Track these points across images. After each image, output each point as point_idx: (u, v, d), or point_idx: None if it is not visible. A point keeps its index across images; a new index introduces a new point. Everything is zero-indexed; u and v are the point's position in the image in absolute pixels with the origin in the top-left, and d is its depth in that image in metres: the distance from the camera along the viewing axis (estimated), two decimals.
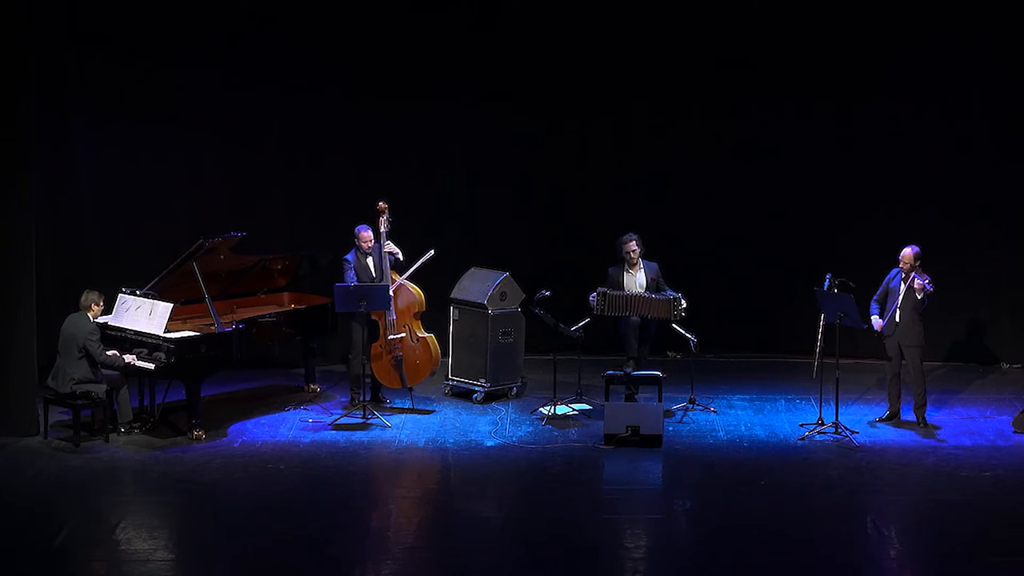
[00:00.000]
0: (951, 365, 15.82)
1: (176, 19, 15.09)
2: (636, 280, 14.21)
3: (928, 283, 13.18)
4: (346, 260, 14.01)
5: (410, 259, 14.09)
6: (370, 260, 14.02)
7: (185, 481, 12.10)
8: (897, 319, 13.36)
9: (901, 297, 13.32)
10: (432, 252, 13.95)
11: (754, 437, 13.34)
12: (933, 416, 13.72)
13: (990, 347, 15.98)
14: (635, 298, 14.03)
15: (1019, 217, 15.66)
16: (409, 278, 14.08)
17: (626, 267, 14.23)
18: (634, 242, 14.18)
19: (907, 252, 13.31)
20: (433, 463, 12.80)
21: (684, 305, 13.90)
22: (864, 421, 13.65)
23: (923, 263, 13.33)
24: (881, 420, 13.69)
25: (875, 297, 13.52)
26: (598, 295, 13.98)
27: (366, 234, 13.96)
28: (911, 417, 13.60)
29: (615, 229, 14.65)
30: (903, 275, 13.30)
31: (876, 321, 13.44)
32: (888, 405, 13.75)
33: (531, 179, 16.01)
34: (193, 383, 13.06)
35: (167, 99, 15.22)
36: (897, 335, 13.41)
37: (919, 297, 13.23)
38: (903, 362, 13.50)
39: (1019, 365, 15.92)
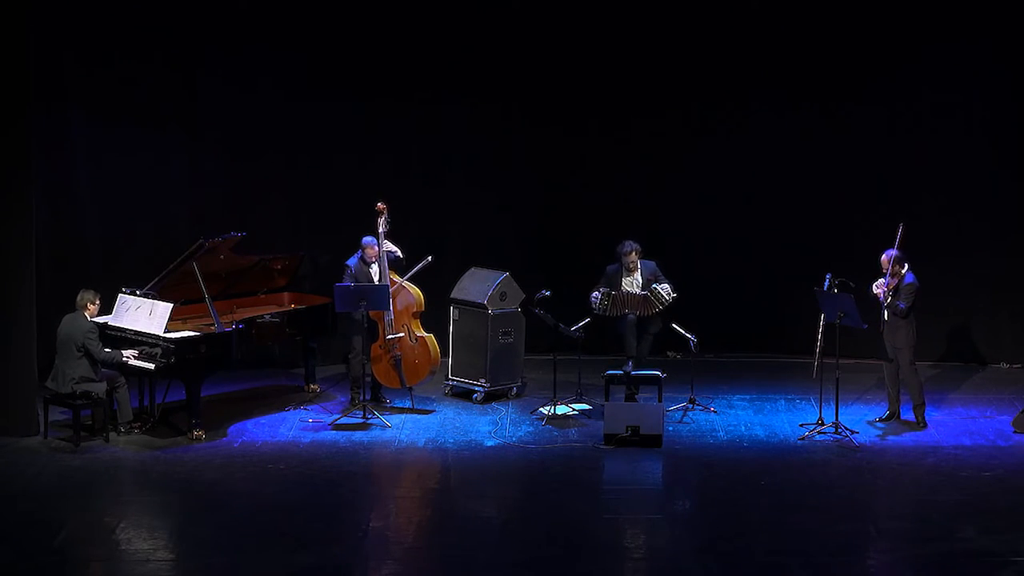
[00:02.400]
0: (950, 365, 15.81)
1: (177, 20, 15.08)
2: (634, 281, 14.23)
3: (882, 292, 13.14)
4: (347, 265, 14.01)
5: (409, 260, 14.10)
6: (373, 268, 14.01)
7: (185, 481, 12.11)
8: (885, 318, 13.36)
9: (885, 301, 13.32)
10: (430, 258, 13.95)
11: (754, 437, 13.34)
12: (932, 416, 13.71)
13: (990, 347, 15.97)
14: (628, 296, 14.08)
15: (1019, 216, 15.65)
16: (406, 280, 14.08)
17: (625, 272, 14.26)
18: (634, 252, 14.23)
19: (883, 257, 13.29)
20: (433, 463, 12.80)
21: (665, 297, 13.91)
22: (863, 421, 13.65)
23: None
24: (881, 420, 13.68)
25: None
26: (602, 295, 14.01)
27: (372, 250, 13.94)
28: (911, 417, 13.60)
29: (615, 229, 14.65)
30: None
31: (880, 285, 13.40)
32: (888, 405, 13.75)
33: (531, 179, 16.01)
34: (193, 383, 13.06)
35: (168, 99, 15.22)
36: (886, 336, 13.42)
37: (887, 302, 13.22)
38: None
39: (1019, 365, 15.91)
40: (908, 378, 13.50)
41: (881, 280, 13.23)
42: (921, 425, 13.49)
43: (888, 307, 13.23)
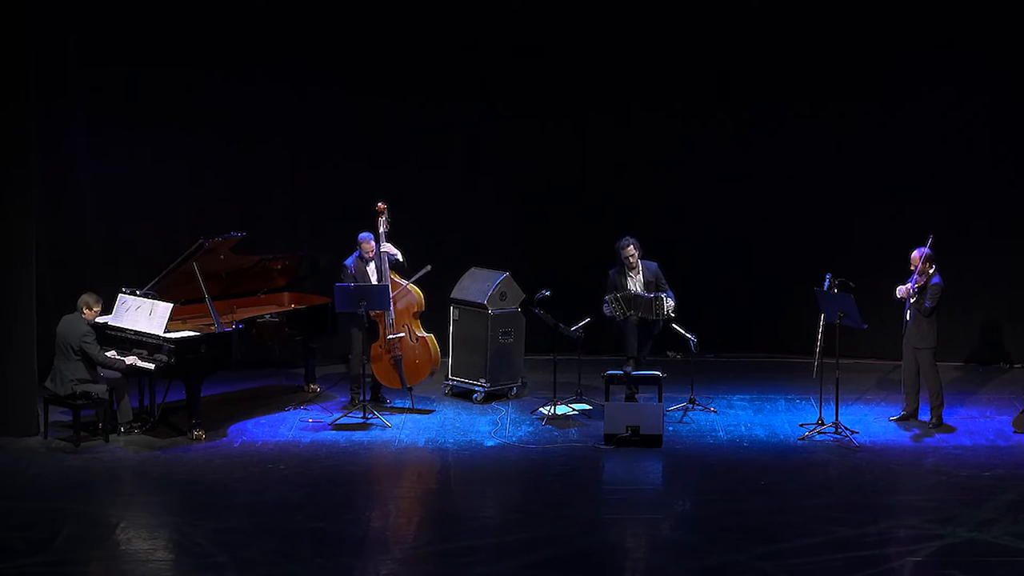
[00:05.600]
0: (951, 366, 15.79)
1: (177, 19, 15.07)
2: (636, 282, 14.24)
3: (909, 288, 13.13)
4: (345, 265, 14.01)
5: (408, 260, 14.10)
6: (371, 266, 14.01)
7: (185, 481, 12.11)
8: (908, 318, 13.34)
9: (910, 299, 13.30)
10: (429, 267, 13.93)
11: (754, 437, 13.34)
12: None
13: (990, 347, 15.97)
14: (635, 298, 14.08)
15: (1018, 216, 15.65)
16: None
17: (626, 270, 14.24)
18: (632, 247, 14.21)
19: (913, 254, 13.28)
20: (433, 463, 12.80)
21: (670, 304, 13.92)
22: (864, 421, 13.64)
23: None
24: (896, 419, 13.65)
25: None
26: (611, 301, 14.01)
27: (368, 245, 13.95)
28: (928, 417, 13.55)
29: (615, 229, 14.64)
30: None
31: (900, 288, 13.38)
32: (904, 404, 13.68)
33: (531, 179, 16.00)
34: (193, 383, 13.06)
35: (168, 99, 15.22)
36: (908, 337, 13.39)
37: (911, 300, 13.21)
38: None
39: (1020, 365, 15.92)
40: (930, 378, 13.46)
41: (908, 284, 13.19)
42: (935, 424, 13.45)
43: (914, 305, 13.21)
